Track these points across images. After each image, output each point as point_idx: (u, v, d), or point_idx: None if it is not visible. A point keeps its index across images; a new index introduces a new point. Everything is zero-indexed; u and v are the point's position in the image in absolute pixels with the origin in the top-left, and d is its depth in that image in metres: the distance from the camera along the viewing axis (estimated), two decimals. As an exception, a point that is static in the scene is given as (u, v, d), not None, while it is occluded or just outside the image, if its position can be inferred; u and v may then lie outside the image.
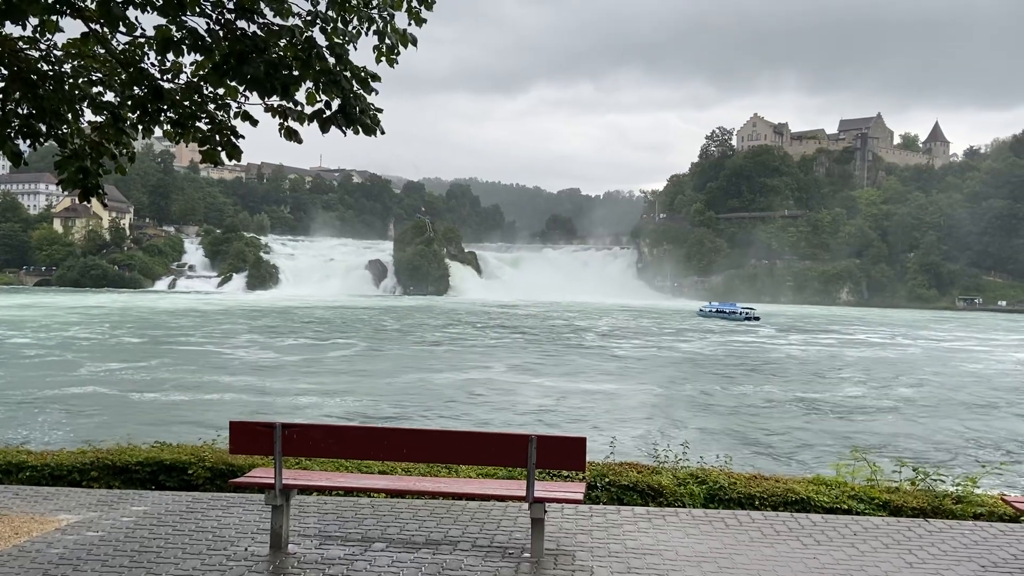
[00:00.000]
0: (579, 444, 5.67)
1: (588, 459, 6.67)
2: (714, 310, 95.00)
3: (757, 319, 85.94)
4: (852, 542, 6.31)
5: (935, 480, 7.66)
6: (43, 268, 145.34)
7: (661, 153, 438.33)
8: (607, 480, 7.45)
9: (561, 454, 5.65)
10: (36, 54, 5.87)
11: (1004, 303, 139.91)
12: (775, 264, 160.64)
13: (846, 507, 7.22)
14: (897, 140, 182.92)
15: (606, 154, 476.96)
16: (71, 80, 5.94)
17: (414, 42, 5.66)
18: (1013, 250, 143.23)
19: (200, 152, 5.98)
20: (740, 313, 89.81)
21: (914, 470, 7.86)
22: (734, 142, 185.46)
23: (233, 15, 5.27)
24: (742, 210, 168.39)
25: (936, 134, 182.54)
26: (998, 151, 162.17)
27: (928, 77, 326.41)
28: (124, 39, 5.70)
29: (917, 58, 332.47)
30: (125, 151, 6.25)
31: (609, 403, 27.16)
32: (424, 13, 5.71)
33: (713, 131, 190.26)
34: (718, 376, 35.66)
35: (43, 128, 6.02)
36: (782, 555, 5.97)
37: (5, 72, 5.76)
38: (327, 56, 5.39)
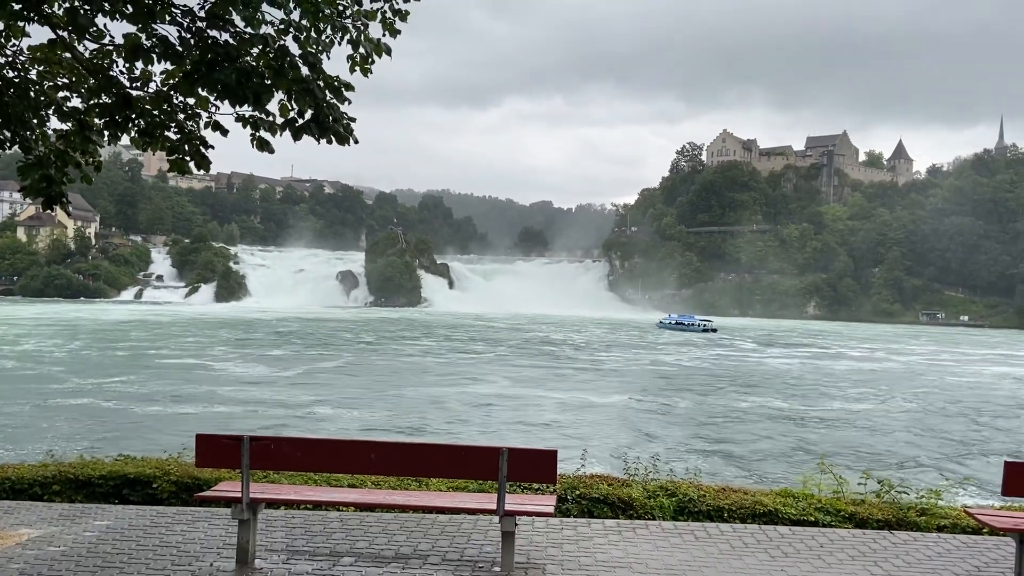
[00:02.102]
0: (550, 457, 5.67)
1: (559, 472, 6.67)
2: (673, 322, 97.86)
3: (714, 331, 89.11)
4: (819, 554, 6.37)
5: (900, 492, 7.76)
6: (5, 278, 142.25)
7: (632, 167, 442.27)
8: (578, 493, 7.45)
9: (532, 467, 5.65)
10: (1, 60, 5.77)
11: (966, 318, 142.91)
12: (744, 278, 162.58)
13: (813, 519, 7.28)
14: (862, 157, 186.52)
15: (578, 167, 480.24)
16: (37, 86, 5.84)
17: (388, 52, 5.64)
18: (975, 266, 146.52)
19: (168, 161, 5.91)
20: (698, 325, 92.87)
21: (879, 482, 7.96)
22: (704, 157, 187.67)
23: (204, 23, 5.23)
24: (712, 224, 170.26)
25: (900, 151, 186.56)
26: (960, 169, 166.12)
27: (891, 95, 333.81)
28: (92, 46, 5.63)
29: (880, 76, 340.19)
30: (91, 160, 6.15)
31: (581, 415, 27.24)
32: (398, 24, 5.71)
33: (683, 146, 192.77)
34: (692, 389, 36.02)
35: (7, 134, 5.91)
36: (750, 567, 6.01)
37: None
38: (300, 65, 5.37)
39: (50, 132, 6.10)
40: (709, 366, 48.70)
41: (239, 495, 5.77)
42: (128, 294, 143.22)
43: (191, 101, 5.71)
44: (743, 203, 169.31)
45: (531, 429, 24.28)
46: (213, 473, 7.50)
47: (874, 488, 7.91)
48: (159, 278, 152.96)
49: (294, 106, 5.50)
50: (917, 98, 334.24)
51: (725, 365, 49.46)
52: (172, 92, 5.65)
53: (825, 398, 33.97)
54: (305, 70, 5.38)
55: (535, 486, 7.35)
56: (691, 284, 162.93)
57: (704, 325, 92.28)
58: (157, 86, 5.69)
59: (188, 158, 5.86)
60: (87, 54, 5.68)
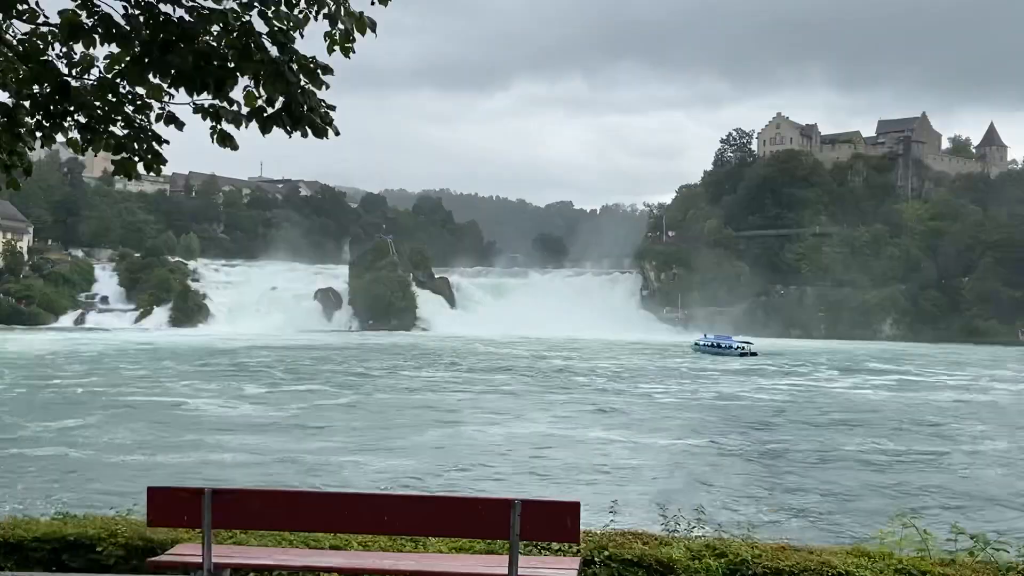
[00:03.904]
0: (572, 510, 5.65)
1: (584, 528, 6.64)
2: (711, 344, 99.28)
3: (754, 355, 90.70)
4: (901, 625, 6.30)
5: (998, 550, 7.68)
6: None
7: (669, 160, 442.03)
8: (607, 554, 7.41)
9: (551, 522, 5.63)
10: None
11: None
12: (806, 292, 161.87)
13: (893, 583, 7.21)
14: (946, 144, 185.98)
15: (603, 161, 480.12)
16: (-44, 76, 5.93)
17: (372, 27, 5.64)
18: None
19: (114, 162, 5.96)
20: (735, 348, 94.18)
21: (972, 538, 7.88)
22: (755, 147, 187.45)
23: (155, -2, 5.30)
24: (766, 227, 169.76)
25: (991, 137, 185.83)
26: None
27: (979, 70, 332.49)
28: (24, 27, 5.70)
29: (966, 48, 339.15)
30: (20, 162, 6.21)
31: (611, 458, 27.24)
32: (385, -7, 5.72)
33: (729, 134, 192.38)
34: (747, 425, 36.14)
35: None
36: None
37: None
38: (268, 45, 5.43)
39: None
40: (769, 397, 48.94)
41: (200, 560, 5.78)
42: (68, 319, 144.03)
43: (141, 90, 5.78)
44: (803, 201, 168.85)
45: (549, 475, 24.26)
46: (169, 533, 7.51)
47: (967, 545, 7.83)
48: (104, 300, 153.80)
49: (262, 93, 5.55)
50: (1011, 74, 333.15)
51: (789, 396, 49.69)
52: (118, 80, 5.72)
53: (910, 435, 33.77)
54: (274, 50, 5.44)
55: (555, 546, 7.32)
56: (741, 300, 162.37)
57: (742, 348, 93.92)
58: (100, 73, 5.76)
59: (137, 158, 5.92)
60: (16, 37, 5.75)
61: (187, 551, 5.97)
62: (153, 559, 6.02)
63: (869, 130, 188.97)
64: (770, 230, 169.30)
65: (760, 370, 72.39)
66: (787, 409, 43.16)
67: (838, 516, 20.23)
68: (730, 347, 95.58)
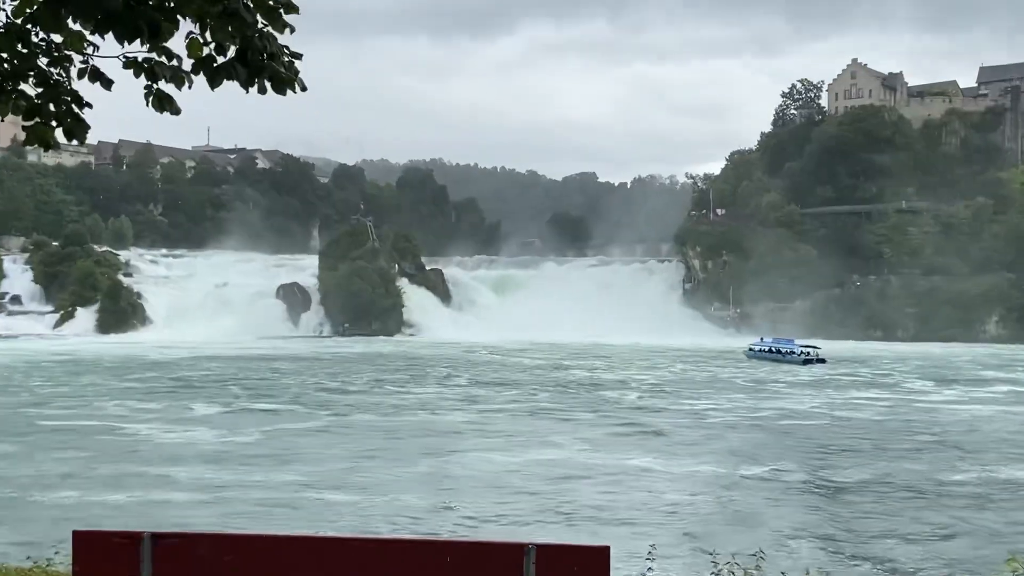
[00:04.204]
0: (599, 556, 5.66)
1: (615, 578, 6.66)
2: (767, 349, 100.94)
3: (822, 361, 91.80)
4: None
5: None
6: None
7: (716, 120, 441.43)
8: (643, 610, 7.43)
9: (573, 571, 5.64)
10: None
11: None
12: (888, 282, 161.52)
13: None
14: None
15: (634, 122, 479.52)
16: None
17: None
18: None
19: (26, 129, 5.98)
20: (797, 353, 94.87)
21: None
22: (824, 101, 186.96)
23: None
24: (838, 202, 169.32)
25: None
26: None
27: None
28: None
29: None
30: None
31: (649, 492, 27.29)
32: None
33: (793, 86, 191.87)
34: (818, 451, 36.29)
35: None
36: None
37: None
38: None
39: None
40: (846, 415, 49.08)
41: (138, 621, 5.81)
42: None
43: (57, 38, 5.79)
44: (885, 169, 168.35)
45: (572, 513, 24.32)
46: (99, 588, 7.56)
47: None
48: (16, 300, 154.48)
49: (209, 39, 5.55)
50: None
51: (870, 414, 49.82)
52: (28, 26, 5.73)
53: (1017, 463, 33.75)
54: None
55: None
56: (809, 294, 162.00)
57: (807, 353, 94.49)
58: (8, 17, 5.78)
59: (55, 123, 5.93)
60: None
61: (122, 611, 6.01)
62: (80, 621, 6.06)
63: (968, 79, 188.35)
64: (844, 206, 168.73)
65: (833, 381, 72.31)
66: (868, 430, 43.25)
67: (930, 562, 20.23)
68: (791, 352, 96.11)
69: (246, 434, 39.09)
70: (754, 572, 8.27)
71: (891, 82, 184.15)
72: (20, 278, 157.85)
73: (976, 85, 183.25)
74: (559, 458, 33.27)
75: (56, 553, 8.62)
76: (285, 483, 28.39)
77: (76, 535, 5.82)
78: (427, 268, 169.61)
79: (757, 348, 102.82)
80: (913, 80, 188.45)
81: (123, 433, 38.95)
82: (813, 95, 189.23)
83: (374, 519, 23.73)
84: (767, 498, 26.80)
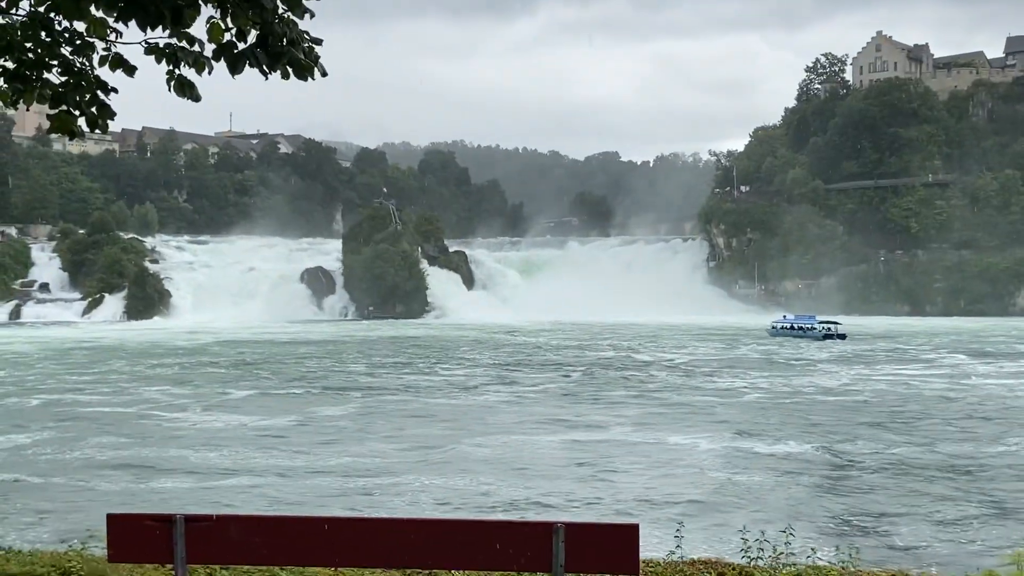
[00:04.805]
0: (629, 534, 5.66)
1: (644, 556, 6.66)
2: (789, 325, 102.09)
3: (842, 337, 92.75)
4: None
5: None
6: None
7: (739, 96, 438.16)
8: (673, 587, 7.44)
9: (602, 549, 5.64)
10: None
11: None
12: (916, 257, 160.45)
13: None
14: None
15: (655, 100, 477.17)
16: None
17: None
18: None
19: (50, 118, 6.01)
20: (818, 330, 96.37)
21: None
22: (849, 76, 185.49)
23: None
24: (864, 177, 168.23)
25: None
26: None
27: None
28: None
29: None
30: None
31: (677, 470, 27.29)
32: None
33: (816, 60, 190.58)
34: (851, 428, 36.21)
35: None
36: None
37: None
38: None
39: None
40: (884, 390, 49.14)
41: (171, 603, 5.87)
42: (1, 312, 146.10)
43: (80, 26, 5.81)
44: (912, 143, 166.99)
45: (601, 493, 24.35)
46: (135, 571, 7.63)
47: None
48: (44, 288, 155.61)
49: (230, 25, 5.56)
50: None
51: (900, 389, 49.71)
52: (52, 14, 5.75)
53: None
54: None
55: (608, 579, 7.36)
56: (835, 270, 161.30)
57: (828, 329, 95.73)
58: (31, 6, 5.80)
59: (79, 111, 5.96)
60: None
61: (156, 593, 6.08)
62: (115, 603, 6.12)
63: (995, 50, 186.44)
64: (870, 180, 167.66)
65: (864, 356, 72.23)
66: (906, 405, 43.09)
67: (965, 538, 20.14)
68: (812, 329, 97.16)
69: (285, 418, 39.17)
70: (783, 550, 8.26)
71: (917, 54, 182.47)
72: (48, 266, 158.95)
73: (1003, 55, 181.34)
74: (600, 438, 33.27)
75: (89, 536, 8.70)
76: (332, 467, 28.46)
77: (110, 518, 5.87)
78: (450, 250, 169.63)
79: (779, 325, 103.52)
80: (939, 52, 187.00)
81: (161, 419, 39.08)
82: (837, 69, 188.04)
83: (422, 503, 23.75)
84: (797, 477, 26.74)
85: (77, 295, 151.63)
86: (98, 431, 35.40)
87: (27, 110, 6.63)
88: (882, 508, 22.85)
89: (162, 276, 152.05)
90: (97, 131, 6.41)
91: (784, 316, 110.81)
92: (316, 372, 61.45)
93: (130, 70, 5.88)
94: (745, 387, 51.24)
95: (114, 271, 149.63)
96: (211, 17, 5.57)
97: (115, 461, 29.24)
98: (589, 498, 24.00)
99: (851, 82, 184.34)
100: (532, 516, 21.03)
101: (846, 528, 20.91)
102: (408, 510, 22.79)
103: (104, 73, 5.96)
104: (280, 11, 5.58)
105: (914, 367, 62.70)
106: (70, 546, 8.71)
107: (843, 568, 7.94)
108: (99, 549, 8.16)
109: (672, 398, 46.07)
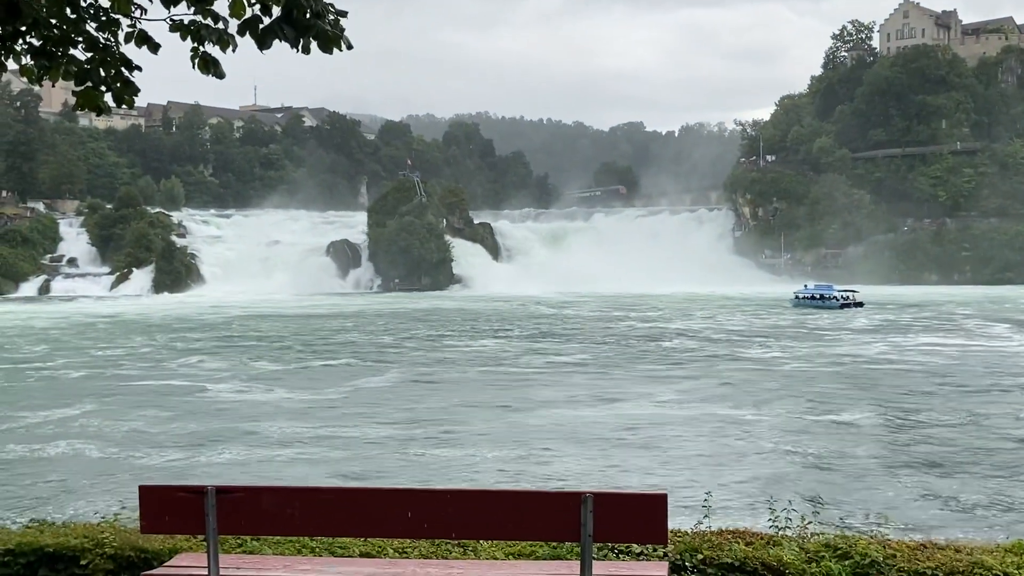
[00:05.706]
0: (657, 504, 5.67)
1: (672, 526, 6.68)
2: (810, 295, 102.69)
3: (859, 305, 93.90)
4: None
5: None
6: None
7: (764, 64, 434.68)
8: (700, 557, 7.45)
9: (630, 519, 5.66)
10: None
11: None
12: (944, 225, 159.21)
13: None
14: None
15: (680, 70, 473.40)
16: None
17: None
18: None
19: (76, 94, 6.03)
20: (836, 298, 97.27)
21: None
22: (876, 42, 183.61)
23: None
24: (891, 145, 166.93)
25: None
26: None
27: None
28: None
29: None
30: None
31: (706, 440, 27.32)
32: None
33: (843, 27, 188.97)
34: (882, 397, 36.21)
35: None
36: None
37: None
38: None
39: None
40: (918, 360, 49.18)
41: (204, 572, 5.92)
42: (30, 287, 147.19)
43: (105, 2, 5.82)
44: (939, 110, 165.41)
45: (629, 463, 24.38)
46: (167, 542, 7.72)
47: None
48: (72, 263, 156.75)
49: (254, 0, 5.55)
50: None
51: (942, 359, 49.69)
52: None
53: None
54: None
55: (636, 548, 7.40)
56: (862, 238, 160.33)
57: (848, 297, 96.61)
58: (57, -18, 5.81)
59: (104, 87, 5.97)
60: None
61: (188, 562, 6.14)
62: (148, 573, 6.19)
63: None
64: (897, 148, 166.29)
65: (894, 325, 72.15)
66: (942, 374, 43.00)
67: (998, 507, 20.03)
68: (831, 298, 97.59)
69: (325, 390, 39.32)
70: (811, 518, 8.24)
71: (944, 20, 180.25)
72: (76, 241, 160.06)
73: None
74: (640, 412, 33.20)
75: (123, 508, 8.79)
76: (381, 438, 28.62)
77: (142, 489, 5.93)
78: (476, 222, 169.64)
79: (801, 295, 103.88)
80: (967, 17, 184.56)
81: (201, 392, 39.26)
82: (864, 36, 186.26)
83: (481, 472, 23.94)
84: (824, 445, 26.68)
85: (105, 269, 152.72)
86: (142, 404, 35.55)
87: (53, 86, 6.65)
88: (913, 472, 22.75)
89: (189, 250, 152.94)
90: (123, 107, 6.43)
91: (805, 286, 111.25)
92: (349, 345, 61.64)
93: (154, 47, 5.90)
94: (783, 357, 51.30)
95: (141, 245, 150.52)
96: (234, -8, 5.56)
97: (166, 435, 29.29)
98: (659, 471, 23.82)
99: (878, 49, 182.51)
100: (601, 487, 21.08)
101: (873, 494, 20.82)
102: (460, 479, 22.87)
103: (129, 50, 5.97)
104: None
105: (952, 336, 62.67)
106: (103, 518, 8.80)
107: (873, 536, 7.92)
108: (132, 521, 8.25)
109: (710, 369, 46.11)
